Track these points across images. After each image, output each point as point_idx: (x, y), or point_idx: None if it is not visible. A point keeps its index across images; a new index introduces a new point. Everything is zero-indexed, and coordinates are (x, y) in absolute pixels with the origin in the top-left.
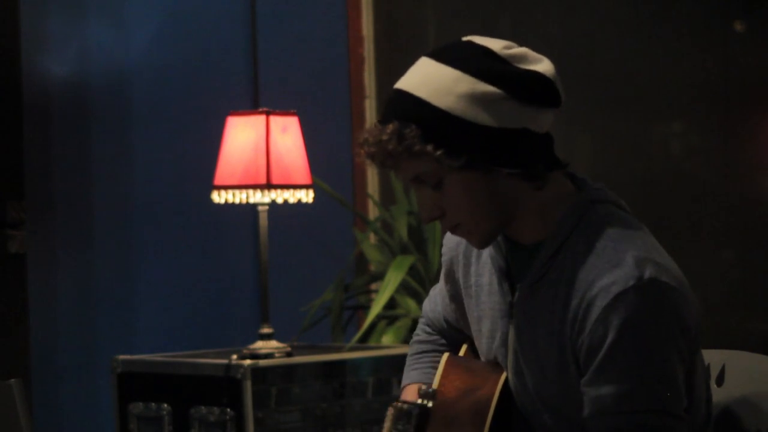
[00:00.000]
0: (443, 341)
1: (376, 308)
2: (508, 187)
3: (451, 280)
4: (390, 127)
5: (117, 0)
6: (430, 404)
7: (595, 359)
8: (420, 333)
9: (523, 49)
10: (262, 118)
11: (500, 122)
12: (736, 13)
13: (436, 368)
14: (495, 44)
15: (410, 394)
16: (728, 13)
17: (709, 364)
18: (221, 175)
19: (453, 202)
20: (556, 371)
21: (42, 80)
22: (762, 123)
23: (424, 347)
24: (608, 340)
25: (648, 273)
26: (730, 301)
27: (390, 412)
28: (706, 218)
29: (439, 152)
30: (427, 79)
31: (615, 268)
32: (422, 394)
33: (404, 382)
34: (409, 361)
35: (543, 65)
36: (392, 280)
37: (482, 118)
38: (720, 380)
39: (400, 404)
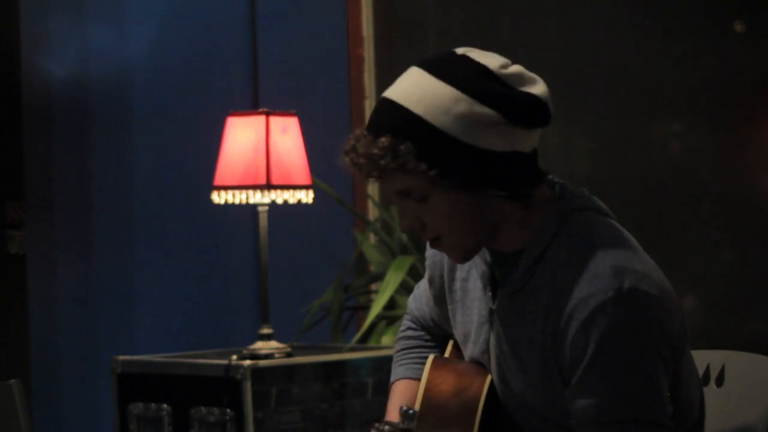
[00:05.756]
0: (429, 337)
1: (376, 308)
2: (495, 207)
3: (435, 284)
4: (383, 141)
5: (117, 0)
6: (413, 425)
7: (577, 371)
8: (406, 329)
9: (519, 69)
10: (262, 118)
11: (494, 146)
12: (736, 13)
13: (422, 363)
14: (491, 62)
15: (398, 394)
16: (728, 13)
17: (708, 365)
18: (221, 176)
19: (437, 217)
20: (540, 381)
21: (42, 80)
22: (762, 123)
23: (411, 342)
24: (589, 352)
25: (627, 283)
26: (730, 301)
27: None
28: (706, 218)
29: (433, 172)
30: (424, 94)
31: (594, 279)
32: (403, 414)
33: (393, 378)
34: (396, 357)
35: (538, 87)
36: (392, 280)
37: (478, 140)
38: (720, 380)
39: (379, 426)
